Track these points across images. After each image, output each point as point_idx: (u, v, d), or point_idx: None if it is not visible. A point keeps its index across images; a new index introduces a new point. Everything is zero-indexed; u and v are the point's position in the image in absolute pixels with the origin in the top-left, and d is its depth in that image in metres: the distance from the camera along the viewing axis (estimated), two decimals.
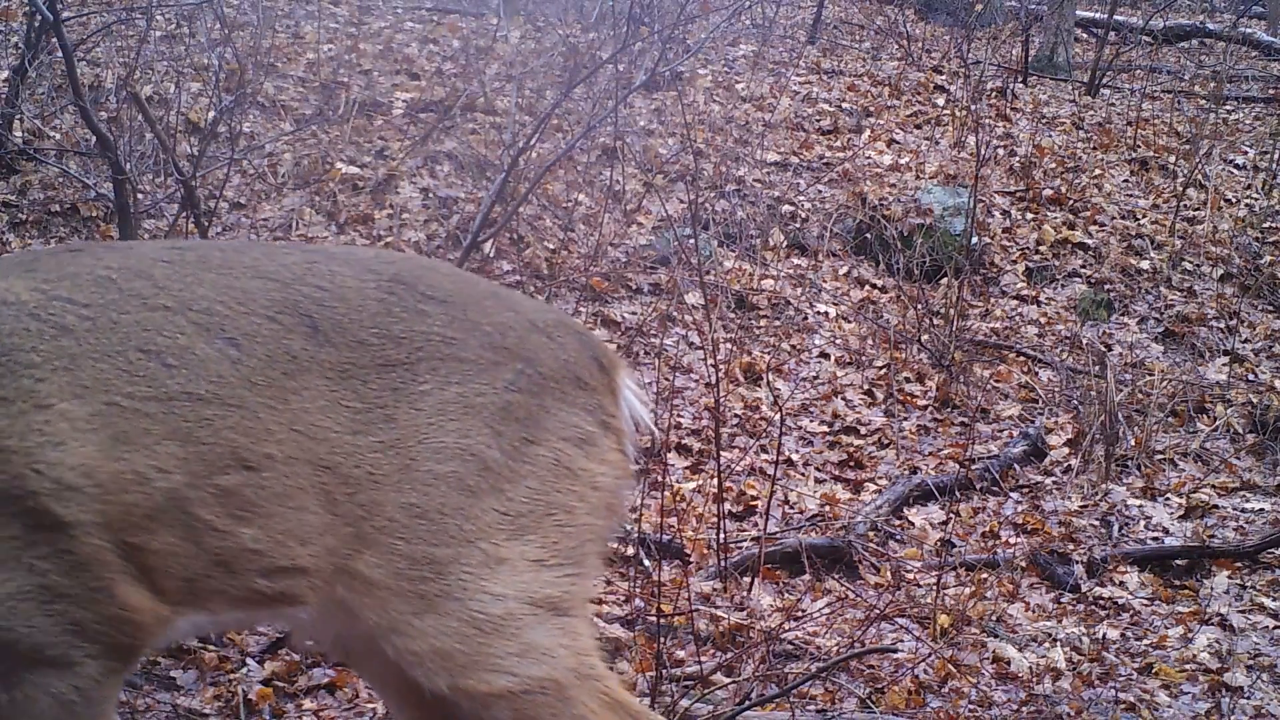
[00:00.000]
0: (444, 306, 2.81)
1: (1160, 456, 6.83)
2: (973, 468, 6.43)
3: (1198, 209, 9.85)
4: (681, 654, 4.60)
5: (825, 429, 6.80)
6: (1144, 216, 9.70)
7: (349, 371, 2.69)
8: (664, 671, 4.25)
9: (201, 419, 2.58)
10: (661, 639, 4.32)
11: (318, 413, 2.65)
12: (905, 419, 7.02)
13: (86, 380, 2.53)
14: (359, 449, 2.67)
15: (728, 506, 5.61)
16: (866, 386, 7.26)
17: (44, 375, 2.51)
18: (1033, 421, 7.05)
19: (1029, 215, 9.47)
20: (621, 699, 2.81)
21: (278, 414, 2.62)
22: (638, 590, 5.01)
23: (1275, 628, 5.34)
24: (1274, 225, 9.88)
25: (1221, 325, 8.44)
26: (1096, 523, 6.14)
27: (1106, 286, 8.80)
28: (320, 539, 2.65)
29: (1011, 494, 6.37)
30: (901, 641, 4.87)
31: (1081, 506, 6.29)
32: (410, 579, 2.67)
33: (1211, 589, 5.60)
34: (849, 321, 7.94)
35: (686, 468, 6.17)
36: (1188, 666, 4.99)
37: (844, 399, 7.11)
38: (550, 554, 2.77)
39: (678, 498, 5.75)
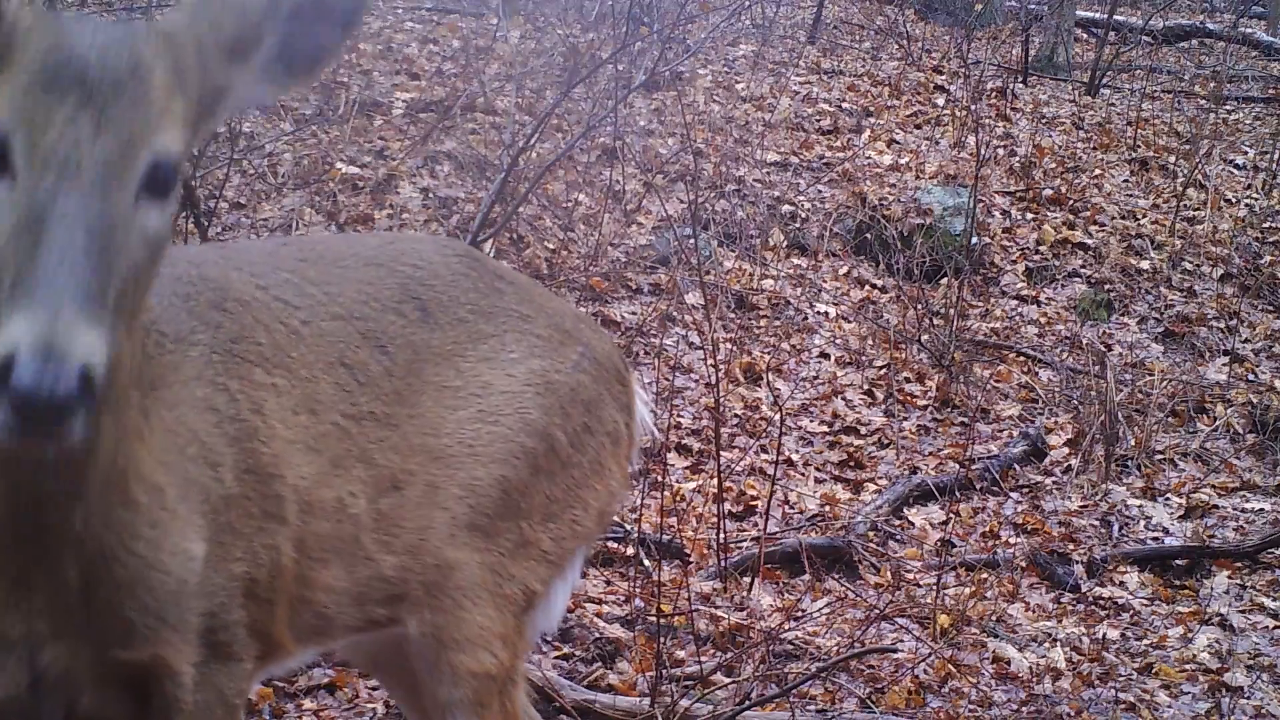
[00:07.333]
0: (513, 286, 2.74)
1: (1160, 456, 6.83)
2: (973, 468, 6.42)
3: (1198, 209, 9.84)
4: (681, 654, 4.59)
5: (825, 429, 6.79)
6: (1144, 216, 9.70)
7: (453, 351, 2.58)
8: (664, 671, 4.26)
9: (378, 439, 2.44)
10: (661, 639, 4.32)
11: (432, 405, 2.53)
12: (905, 419, 7.02)
13: (321, 395, 2.39)
14: (460, 423, 2.54)
15: (728, 506, 5.60)
16: (866, 386, 7.25)
17: (295, 383, 2.37)
18: (1033, 421, 7.04)
19: (1029, 215, 9.47)
20: (516, 714, 2.71)
21: (414, 423, 2.50)
22: (638, 590, 5.01)
23: (1275, 628, 5.34)
24: (1274, 225, 9.88)
25: (1221, 325, 8.44)
26: (1096, 523, 6.14)
27: (1106, 286, 8.79)
28: (434, 540, 2.52)
29: (1011, 494, 6.37)
30: (901, 641, 4.87)
31: (1081, 506, 6.28)
32: (480, 552, 2.56)
33: (1211, 589, 5.59)
34: (849, 321, 7.94)
35: (686, 468, 6.16)
36: (1188, 666, 4.99)
37: (844, 399, 7.10)
38: (556, 549, 2.68)
39: (678, 498, 5.75)
